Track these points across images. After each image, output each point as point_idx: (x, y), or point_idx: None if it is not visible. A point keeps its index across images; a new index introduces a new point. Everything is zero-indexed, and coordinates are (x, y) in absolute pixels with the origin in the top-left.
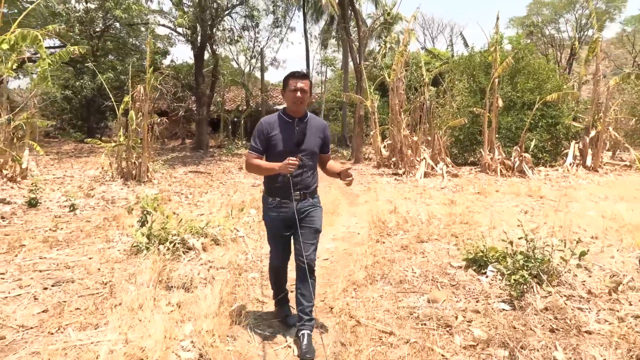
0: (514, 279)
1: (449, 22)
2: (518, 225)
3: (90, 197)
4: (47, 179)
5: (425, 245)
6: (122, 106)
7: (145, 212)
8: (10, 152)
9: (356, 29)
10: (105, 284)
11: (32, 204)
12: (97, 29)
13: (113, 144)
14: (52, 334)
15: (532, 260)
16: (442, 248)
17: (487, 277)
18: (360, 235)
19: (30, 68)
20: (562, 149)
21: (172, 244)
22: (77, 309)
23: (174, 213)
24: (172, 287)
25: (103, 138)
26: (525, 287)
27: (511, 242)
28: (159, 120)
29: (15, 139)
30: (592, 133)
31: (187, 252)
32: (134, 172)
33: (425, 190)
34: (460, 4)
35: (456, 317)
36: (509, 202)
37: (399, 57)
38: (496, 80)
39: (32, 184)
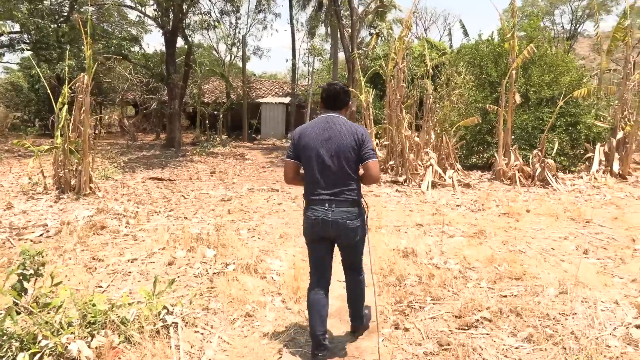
0: None
1: (443, 12)
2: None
3: None
4: None
5: (477, 339)
6: (60, 99)
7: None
8: None
9: (348, 11)
10: None
11: None
12: (64, 12)
13: (46, 147)
14: None
15: None
16: (508, 348)
17: None
18: (368, 306)
19: None
20: (583, 152)
21: (36, 356)
22: None
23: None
24: None
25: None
26: None
27: None
28: (133, 113)
29: None
30: (620, 134)
31: None
32: (73, 182)
33: (439, 209)
34: None
35: None
36: (552, 231)
37: (400, 43)
38: (513, 72)
39: None
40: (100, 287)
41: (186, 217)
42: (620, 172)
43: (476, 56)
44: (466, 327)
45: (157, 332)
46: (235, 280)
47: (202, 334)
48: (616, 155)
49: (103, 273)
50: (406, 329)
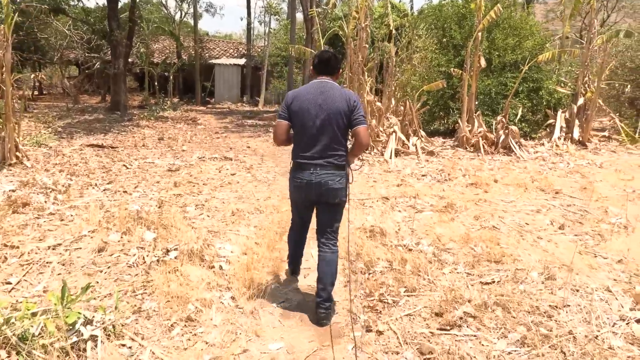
0: None
1: None
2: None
3: None
4: None
5: (463, 343)
6: None
7: None
8: None
9: None
10: None
11: None
12: None
13: None
14: None
15: None
16: (500, 354)
17: None
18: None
19: None
20: (543, 118)
21: None
22: None
23: None
24: None
25: None
26: None
27: None
28: (77, 74)
29: None
30: (580, 100)
31: None
32: None
33: (404, 179)
34: None
35: None
36: (523, 203)
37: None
38: (479, 34)
39: None
40: (9, 283)
41: (125, 191)
42: (580, 139)
43: (439, 17)
44: (449, 327)
45: (67, 353)
46: (176, 271)
47: (129, 347)
48: (576, 122)
49: (15, 264)
50: (380, 332)
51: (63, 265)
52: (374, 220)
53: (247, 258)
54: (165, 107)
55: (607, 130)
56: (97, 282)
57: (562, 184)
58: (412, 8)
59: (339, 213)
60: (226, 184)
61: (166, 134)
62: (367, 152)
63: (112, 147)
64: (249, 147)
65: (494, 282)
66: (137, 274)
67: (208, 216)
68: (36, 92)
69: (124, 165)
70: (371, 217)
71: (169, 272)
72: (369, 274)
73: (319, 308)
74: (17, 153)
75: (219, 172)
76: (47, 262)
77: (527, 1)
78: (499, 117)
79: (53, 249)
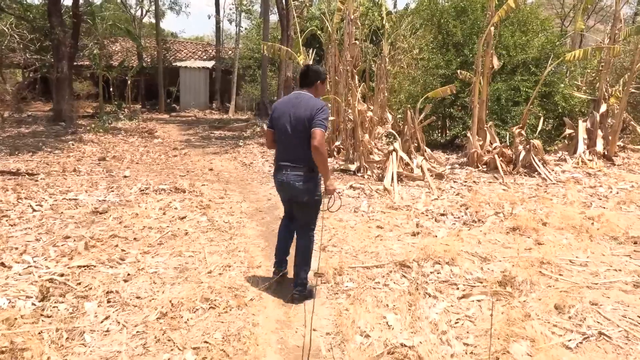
0: None
1: None
2: None
3: None
4: None
5: None
6: None
7: None
8: None
9: None
10: None
11: None
12: None
13: None
14: None
15: None
16: None
17: None
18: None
19: None
20: (554, 126)
21: None
22: None
23: None
24: None
25: None
26: None
27: None
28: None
29: None
30: (603, 107)
31: None
32: None
33: (419, 223)
34: None
35: None
36: (602, 266)
37: None
38: (492, 29)
39: None
40: None
41: (3, 263)
42: (606, 153)
43: (435, 12)
44: None
45: None
46: None
47: None
48: (599, 133)
49: None
50: None
51: None
52: (400, 329)
53: None
54: (121, 117)
55: (621, 139)
56: None
57: (629, 225)
58: (395, 6)
59: (309, 212)
60: (169, 237)
61: (111, 152)
62: (359, 174)
63: (30, 175)
64: (211, 169)
65: None
66: None
67: (118, 323)
68: None
69: (30, 205)
70: (393, 318)
71: None
72: None
73: (294, 290)
74: None
75: (163, 214)
76: None
77: None
78: (515, 129)
79: None
